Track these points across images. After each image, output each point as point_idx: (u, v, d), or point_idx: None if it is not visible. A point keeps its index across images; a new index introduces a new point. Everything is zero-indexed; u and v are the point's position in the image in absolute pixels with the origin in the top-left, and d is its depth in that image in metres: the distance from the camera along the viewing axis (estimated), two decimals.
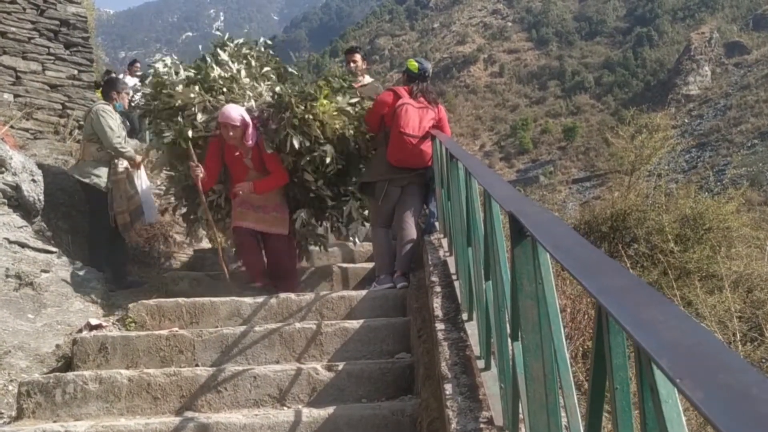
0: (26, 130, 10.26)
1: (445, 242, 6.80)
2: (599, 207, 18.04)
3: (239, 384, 5.29)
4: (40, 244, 7.64)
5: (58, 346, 6.26)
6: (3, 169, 7.81)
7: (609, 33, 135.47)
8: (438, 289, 5.58)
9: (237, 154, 7.35)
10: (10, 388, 5.66)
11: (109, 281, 8.09)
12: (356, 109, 7.56)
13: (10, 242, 7.38)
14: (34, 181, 8.15)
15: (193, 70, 7.70)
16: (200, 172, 7.21)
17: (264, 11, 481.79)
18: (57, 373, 5.47)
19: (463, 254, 5.15)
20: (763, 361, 9.53)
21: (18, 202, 7.96)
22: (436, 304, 5.24)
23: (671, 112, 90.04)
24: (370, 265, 8.23)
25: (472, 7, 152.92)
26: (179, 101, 7.43)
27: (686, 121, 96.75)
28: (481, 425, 3.38)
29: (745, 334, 10.41)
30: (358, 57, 9.11)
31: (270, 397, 5.27)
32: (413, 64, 7.65)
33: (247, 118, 7.22)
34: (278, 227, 7.56)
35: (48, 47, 11.19)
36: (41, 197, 8.22)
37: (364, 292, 6.90)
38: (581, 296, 7.60)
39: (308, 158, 7.32)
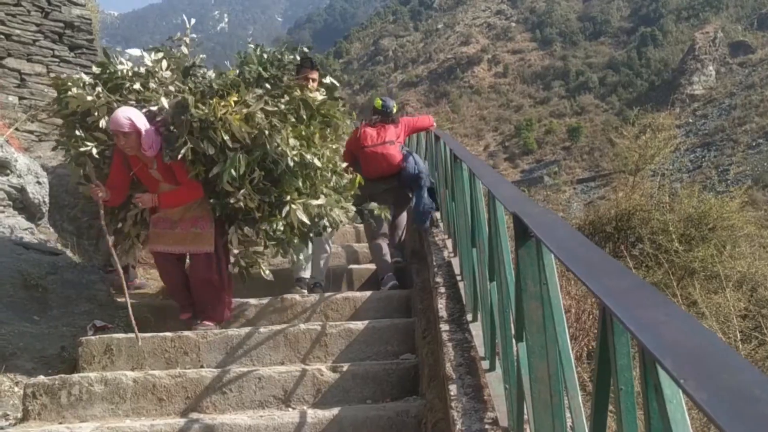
0: (31, 132, 10.28)
1: (449, 243, 6.81)
2: (604, 207, 18.04)
3: (244, 385, 5.29)
4: (45, 246, 7.65)
5: (63, 347, 6.26)
6: (8, 171, 7.83)
7: (613, 33, 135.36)
8: (442, 290, 5.59)
9: (144, 164, 6.26)
10: (16, 389, 5.67)
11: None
12: (285, 107, 6.19)
13: (16, 244, 7.40)
14: (39, 183, 8.16)
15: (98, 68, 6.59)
16: (101, 192, 6.11)
17: (268, 12, 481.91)
18: (62, 375, 5.47)
19: (467, 255, 5.16)
20: (767, 360, 9.51)
21: (23, 204, 7.98)
22: (441, 305, 5.24)
23: (676, 112, 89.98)
24: (374, 266, 8.25)
25: (476, 7, 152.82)
26: (77, 106, 6.26)
27: (691, 120, 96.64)
28: (486, 426, 3.38)
29: (749, 333, 10.40)
30: (316, 75, 7.28)
31: (275, 399, 5.27)
32: (378, 102, 8.38)
33: (140, 123, 5.99)
34: (199, 245, 6.40)
35: (52, 49, 11.21)
36: (46, 199, 8.24)
37: (368, 293, 6.90)
38: (586, 297, 7.61)
39: (216, 169, 5.97)
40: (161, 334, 6.10)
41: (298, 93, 6.30)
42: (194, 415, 5.06)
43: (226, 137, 5.82)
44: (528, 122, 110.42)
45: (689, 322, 1.40)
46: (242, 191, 6.02)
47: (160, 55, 6.62)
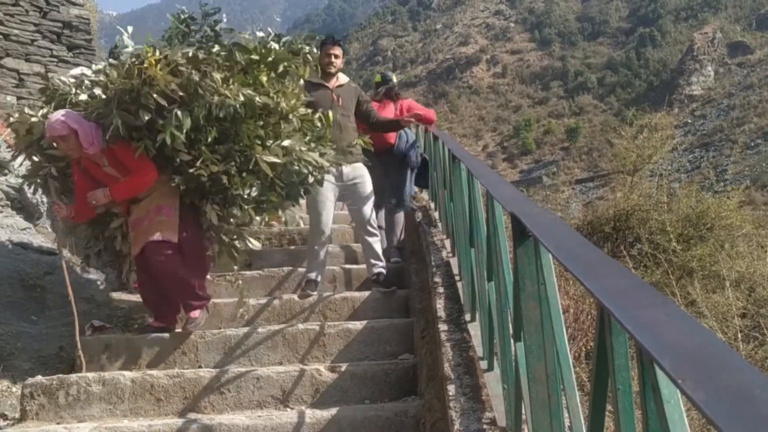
0: None
1: (448, 243, 6.80)
2: (602, 207, 18.07)
3: (242, 385, 5.29)
4: (43, 246, 7.64)
5: (61, 347, 6.26)
6: (6, 171, 7.82)
7: (612, 33, 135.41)
8: (441, 290, 5.58)
9: (96, 164, 5.89)
10: (14, 389, 5.66)
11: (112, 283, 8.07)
12: (215, 55, 5.88)
13: (14, 244, 7.39)
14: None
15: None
16: (64, 211, 5.96)
17: (267, 12, 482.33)
18: (60, 375, 5.47)
19: (465, 255, 5.15)
20: (766, 360, 9.51)
21: (21, 204, 7.98)
22: (439, 305, 5.24)
23: (674, 113, 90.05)
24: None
25: (474, 8, 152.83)
26: (25, 131, 6.05)
27: (689, 121, 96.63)
28: (485, 426, 3.38)
29: (748, 333, 10.41)
30: (339, 52, 7.37)
31: (273, 399, 5.27)
32: (378, 77, 9.03)
33: (73, 122, 5.64)
34: (164, 231, 5.92)
35: (51, 49, 11.22)
36: (44, 199, 8.23)
37: (367, 294, 6.89)
38: (584, 297, 7.61)
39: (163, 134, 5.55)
40: (159, 334, 6.10)
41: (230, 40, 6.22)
42: (192, 416, 5.05)
43: (156, 96, 5.45)
44: (527, 122, 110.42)
45: (687, 322, 1.40)
46: (202, 158, 5.66)
47: (102, 64, 6.25)
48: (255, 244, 6.69)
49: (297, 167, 6.05)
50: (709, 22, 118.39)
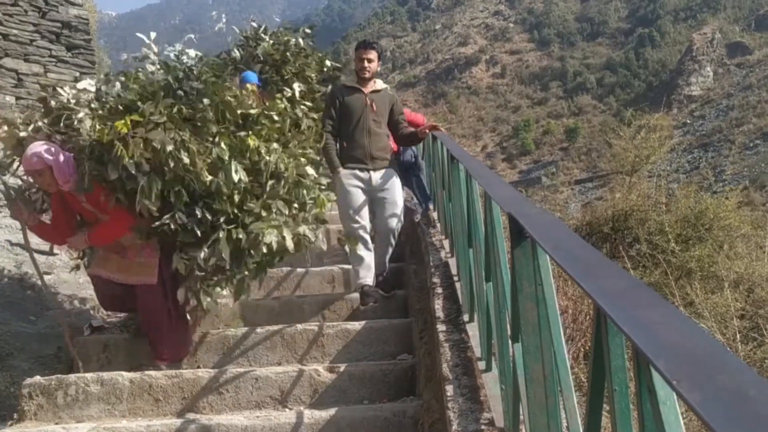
0: None
1: (446, 243, 6.81)
2: (601, 208, 18.07)
3: (241, 385, 5.29)
4: (42, 247, 7.64)
5: (59, 348, 6.26)
6: (6, 172, 7.81)
7: (611, 34, 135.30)
8: (439, 290, 5.59)
9: (75, 198, 5.66)
10: (12, 389, 5.67)
11: None
12: (200, 114, 5.58)
13: (12, 244, 7.39)
14: None
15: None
16: (25, 215, 5.82)
17: (266, 12, 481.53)
18: (59, 375, 5.47)
19: (464, 255, 5.16)
20: (765, 361, 9.51)
21: None
22: (438, 305, 5.24)
23: (673, 113, 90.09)
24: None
25: (473, 8, 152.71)
26: (12, 146, 5.87)
27: (688, 121, 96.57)
28: (482, 426, 3.38)
29: (746, 333, 10.41)
30: (373, 55, 7.09)
31: (272, 399, 5.27)
32: None
33: (48, 157, 5.35)
34: (142, 275, 5.79)
35: (50, 49, 11.21)
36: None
37: None
38: (583, 297, 7.61)
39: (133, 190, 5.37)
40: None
41: (221, 96, 5.70)
42: (191, 416, 5.05)
43: (126, 161, 5.16)
44: (526, 123, 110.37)
45: (683, 323, 1.40)
46: (168, 214, 5.40)
47: (92, 81, 6.02)
48: (219, 304, 6.13)
49: (262, 245, 5.59)
50: (708, 22, 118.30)
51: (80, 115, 5.44)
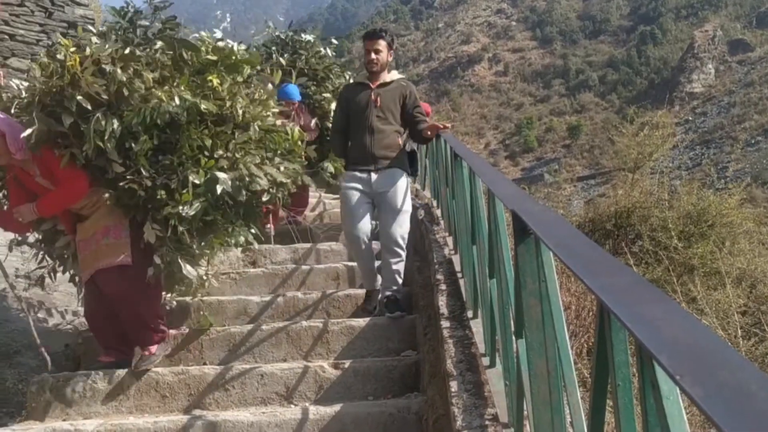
0: None
1: (450, 240, 6.80)
2: (603, 204, 18.04)
3: (246, 382, 5.29)
4: None
5: (67, 345, 6.27)
6: None
7: (613, 31, 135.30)
8: (443, 287, 5.58)
9: (29, 174, 5.22)
10: (21, 386, 5.68)
11: None
12: (156, 54, 5.27)
13: (19, 242, 7.39)
14: None
15: None
16: None
17: (270, 12, 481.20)
18: (66, 372, 5.48)
19: (467, 252, 5.16)
20: (766, 357, 9.51)
21: None
22: (442, 302, 5.24)
23: (675, 110, 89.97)
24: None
25: (476, 6, 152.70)
26: None
27: (690, 118, 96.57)
28: (486, 422, 3.38)
29: (748, 330, 10.40)
30: (381, 45, 6.50)
31: (277, 395, 5.27)
32: None
33: (2, 124, 4.98)
34: (112, 256, 5.23)
35: None
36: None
37: None
38: (586, 294, 7.61)
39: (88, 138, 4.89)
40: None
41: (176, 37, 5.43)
42: (197, 412, 5.06)
43: (79, 98, 4.83)
44: (528, 120, 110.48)
45: (685, 319, 1.40)
46: (134, 169, 4.98)
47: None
48: (191, 272, 5.61)
49: (245, 183, 5.30)
50: (709, 20, 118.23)
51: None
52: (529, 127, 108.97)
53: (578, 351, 7.38)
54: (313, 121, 9.39)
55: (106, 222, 5.27)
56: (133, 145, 4.94)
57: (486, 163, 5.12)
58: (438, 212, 8.15)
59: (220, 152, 5.21)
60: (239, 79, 5.61)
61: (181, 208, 5.01)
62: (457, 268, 5.89)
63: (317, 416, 4.70)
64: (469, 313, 4.89)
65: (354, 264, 7.53)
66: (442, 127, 6.40)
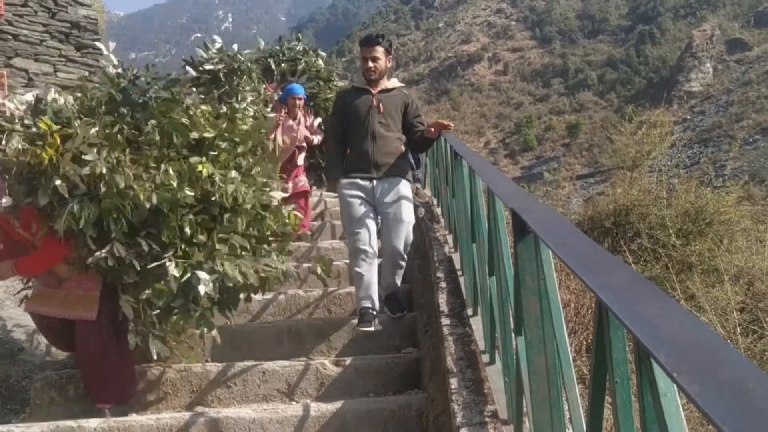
0: None
1: (450, 239, 6.80)
2: (602, 203, 18.06)
3: (248, 379, 5.30)
4: None
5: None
6: None
7: (611, 31, 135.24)
8: (443, 284, 5.58)
9: (8, 221, 4.91)
10: (24, 383, 5.68)
11: None
12: (146, 137, 4.82)
13: None
14: None
15: None
16: None
17: (271, 12, 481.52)
18: (70, 370, 5.48)
19: (467, 250, 5.15)
20: (765, 353, 9.51)
21: None
22: (442, 299, 5.24)
23: (674, 109, 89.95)
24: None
25: (476, 6, 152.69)
26: None
27: (688, 117, 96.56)
28: (486, 419, 3.38)
29: (746, 326, 10.40)
30: (379, 53, 6.24)
31: (279, 392, 5.27)
32: None
33: None
34: (80, 310, 5.00)
35: (59, 49, 11.24)
36: None
37: None
38: (585, 291, 7.60)
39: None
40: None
41: (171, 117, 4.90)
42: (199, 409, 5.05)
43: (58, 183, 4.53)
44: (528, 119, 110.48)
45: (683, 316, 1.40)
46: (106, 248, 4.63)
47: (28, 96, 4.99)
48: (162, 350, 5.18)
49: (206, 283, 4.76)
50: (707, 19, 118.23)
51: (13, 132, 4.63)
52: (529, 125, 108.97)
53: (577, 348, 7.37)
54: (318, 121, 9.43)
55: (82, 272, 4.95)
56: (111, 226, 4.60)
57: (486, 162, 5.11)
58: (438, 210, 8.14)
59: (201, 237, 4.80)
60: (240, 150, 5.20)
61: (151, 292, 4.69)
62: (457, 266, 5.89)
63: (318, 413, 4.70)
64: (469, 311, 4.89)
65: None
66: (446, 125, 6.23)
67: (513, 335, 3.26)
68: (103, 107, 4.86)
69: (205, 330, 5.00)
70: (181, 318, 4.88)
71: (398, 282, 6.27)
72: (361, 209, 5.99)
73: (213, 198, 4.83)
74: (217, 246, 4.81)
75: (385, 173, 6.08)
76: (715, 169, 68.69)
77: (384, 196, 6.02)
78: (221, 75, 9.57)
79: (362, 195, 6.03)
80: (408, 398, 4.87)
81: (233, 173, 4.98)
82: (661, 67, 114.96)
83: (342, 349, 5.92)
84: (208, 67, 9.64)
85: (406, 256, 6.10)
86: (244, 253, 4.98)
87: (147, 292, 4.69)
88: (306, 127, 9.00)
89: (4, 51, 10.55)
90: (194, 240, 4.76)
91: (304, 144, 9.03)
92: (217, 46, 10.06)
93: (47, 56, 10.98)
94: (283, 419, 4.65)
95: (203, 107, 5.18)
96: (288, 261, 5.45)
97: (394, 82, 6.43)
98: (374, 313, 5.79)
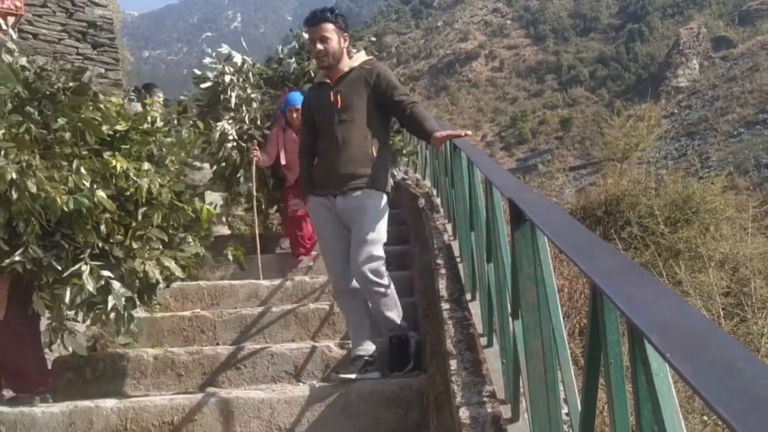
0: None
1: (449, 227, 6.79)
2: (594, 193, 18.03)
3: (257, 361, 5.30)
4: None
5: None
6: None
7: (602, 29, 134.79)
8: (443, 271, 5.57)
9: None
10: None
11: None
12: (55, 135, 4.49)
13: None
14: None
15: None
16: None
17: (279, 12, 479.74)
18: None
19: (466, 238, 5.14)
20: (747, 336, 9.50)
21: None
22: (442, 285, 5.23)
23: (662, 104, 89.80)
24: None
25: (473, 6, 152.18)
26: None
27: (676, 111, 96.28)
28: (484, 398, 3.38)
29: (731, 310, 10.40)
30: (327, 31, 4.80)
31: (286, 374, 5.28)
32: None
33: None
34: None
35: (77, 47, 11.24)
36: None
37: None
38: (578, 277, 7.59)
39: None
40: (179, 313, 6.11)
41: (79, 114, 4.53)
42: (211, 390, 5.06)
43: None
44: (523, 114, 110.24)
45: (675, 300, 1.39)
46: (20, 250, 4.28)
47: None
48: (81, 347, 5.06)
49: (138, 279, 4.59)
50: (694, 18, 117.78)
51: None
52: (524, 120, 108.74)
53: (570, 331, 7.37)
54: None
55: None
56: (22, 227, 4.25)
57: (483, 154, 5.09)
58: (438, 201, 8.13)
59: (119, 237, 4.52)
60: (152, 147, 4.87)
61: (64, 288, 4.40)
62: (456, 253, 5.88)
63: (324, 393, 4.70)
64: (468, 296, 4.88)
65: None
66: (463, 134, 4.84)
67: (510, 319, 3.26)
68: (9, 105, 4.41)
69: (130, 325, 4.74)
70: (99, 314, 4.60)
71: (396, 318, 5.07)
72: (329, 235, 4.98)
73: (127, 193, 4.56)
74: (134, 245, 4.54)
75: (349, 187, 4.84)
76: (701, 161, 68.60)
77: (347, 214, 4.89)
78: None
79: (328, 216, 4.96)
80: (409, 379, 4.87)
81: (146, 165, 4.71)
82: (649, 63, 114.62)
83: (346, 333, 5.91)
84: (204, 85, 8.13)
85: (382, 281, 4.88)
86: (161, 246, 4.72)
87: (65, 288, 4.39)
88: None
89: (24, 50, 10.55)
90: (111, 239, 4.50)
91: None
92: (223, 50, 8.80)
93: (65, 54, 10.98)
94: (291, 399, 4.65)
95: (113, 99, 4.91)
96: (204, 244, 5.11)
97: (356, 59, 5.02)
98: (367, 359, 4.94)
